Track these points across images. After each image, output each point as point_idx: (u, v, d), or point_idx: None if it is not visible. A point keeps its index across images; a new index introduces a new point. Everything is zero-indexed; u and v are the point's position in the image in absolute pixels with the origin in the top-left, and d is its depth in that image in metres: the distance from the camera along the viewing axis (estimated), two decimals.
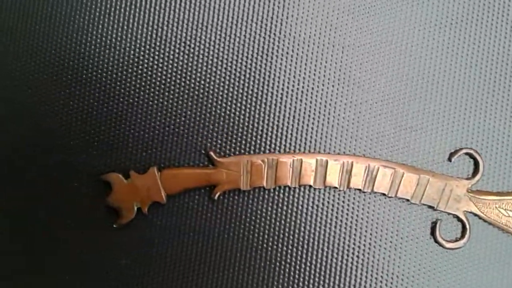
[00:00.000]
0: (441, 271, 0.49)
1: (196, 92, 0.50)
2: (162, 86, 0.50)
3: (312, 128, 0.49)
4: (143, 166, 0.49)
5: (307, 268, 0.49)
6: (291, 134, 0.49)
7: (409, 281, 0.49)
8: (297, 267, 0.49)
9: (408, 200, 0.48)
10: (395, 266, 0.49)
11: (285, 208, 0.49)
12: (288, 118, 0.49)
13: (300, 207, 0.49)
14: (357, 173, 0.48)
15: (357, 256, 0.49)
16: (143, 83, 0.50)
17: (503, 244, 0.49)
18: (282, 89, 0.49)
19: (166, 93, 0.50)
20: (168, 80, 0.50)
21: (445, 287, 0.49)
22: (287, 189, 0.49)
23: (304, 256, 0.49)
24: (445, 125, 0.49)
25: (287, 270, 0.49)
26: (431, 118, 0.49)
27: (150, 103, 0.50)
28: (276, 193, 0.50)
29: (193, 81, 0.49)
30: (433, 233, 0.49)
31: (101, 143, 0.50)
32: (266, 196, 0.50)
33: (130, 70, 0.50)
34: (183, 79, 0.50)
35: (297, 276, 0.49)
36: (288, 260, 0.49)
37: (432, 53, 0.49)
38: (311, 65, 0.49)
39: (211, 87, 0.49)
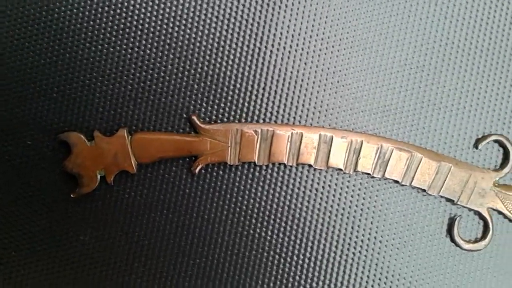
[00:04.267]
0: (456, 275, 0.43)
1: (179, 45, 0.42)
2: (139, 37, 0.42)
3: (317, 97, 0.42)
4: (111, 126, 0.42)
5: (300, 262, 0.43)
6: (291, 103, 0.42)
7: (417, 284, 0.42)
8: (288, 259, 0.43)
9: (424, 190, 0.42)
10: (403, 266, 0.43)
11: (278, 190, 0.42)
12: (289, 83, 0.42)
13: (296, 190, 0.43)
14: (367, 155, 0.42)
15: (359, 252, 0.42)
16: (114, 32, 0.42)
17: None
18: (284, 48, 0.42)
19: (143, 44, 0.42)
20: (146, 31, 0.42)
21: None
22: (282, 167, 0.42)
23: (297, 247, 0.43)
24: (473, 105, 0.43)
25: (275, 261, 0.43)
26: (458, 97, 0.42)
27: (123, 52, 0.42)
28: (270, 171, 0.43)
29: (175, 34, 0.42)
30: (450, 230, 0.42)
31: (60, 94, 0.42)
32: (257, 174, 0.43)
33: (99, 20, 0.42)
34: (163, 32, 0.42)
35: (286, 269, 0.43)
36: (278, 251, 0.43)
37: (463, 25, 0.42)
38: (320, 21, 0.42)
39: (197, 42, 0.42)
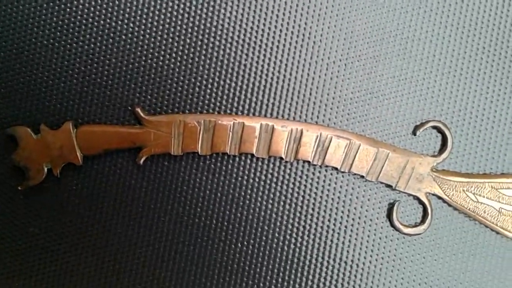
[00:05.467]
0: (396, 259, 0.44)
1: (123, 39, 0.43)
2: (83, 31, 0.43)
3: (258, 88, 0.43)
4: (57, 120, 0.43)
5: (244, 248, 0.44)
6: (233, 93, 0.43)
7: (358, 269, 0.44)
8: (232, 246, 0.44)
9: (363, 176, 0.43)
10: (344, 251, 0.44)
11: (222, 178, 0.44)
12: (231, 74, 0.43)
13: (239, 179, 0.44)
14: (306, 143, 0.43)
15: (301, 237, 0.44)
16: (59, 27, 0.43)
17: (469, 233, 0.44)
18: (225, 39, 0.43)
19: (87, 38, 0.43)
20: (90, 25, 0.43)
21: (401, 276, 0.44)
22: (225, 157, 0.43)
23: (240, 234, 0.44)
24: (411, 93, 0.44)
25: (220, 248, 0.44)
26: (395, 85, 0.44)
27: (68, 46, 0.43)
28: (213, 160, 0.44)
29: (118, 28, 0.43)
30: (389, 216, 0.43)
31: (6, 89, 0.43)
32: (201, 164, 0.44)
33: (44, 16, 0.43)
34: (107, 26, 0.43)
35: (231, 256, 0.44)
36: (223, 238, 0.44)
37: (401, 15, 0.43)
38: (261, 13, 0.43)
39: (140, 35, 0.43)
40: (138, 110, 0.43)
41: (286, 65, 0.43)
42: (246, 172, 0.44)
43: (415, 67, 0.44)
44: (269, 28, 0.43)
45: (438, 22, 0.43)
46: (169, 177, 0.44)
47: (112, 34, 0.43)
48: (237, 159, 0.44)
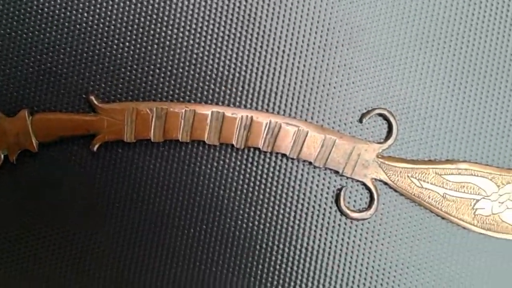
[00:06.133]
0: (344, 243, 0.45)
1: (77, 28, 0.44)
2: (38, 20, 0.44)
3: (210, 76, 0.45)
4: (13, 108, 0.44)
5: (196, 234, 0.45)
6: (185, 82, 0.45)
7: (307, 252, 0.45)
8: (185, 231, 0.45)
9: (311, 163, 0.44)
10: (293, 235, 0.45)
11: (175, 165, 0.45)
12: (183, 63, 0.45)
13: (192, 165, 0.45)
14: (256, 130, 0.44)
15: (252, 223, 0.45)
16: (16, 17, 0.44)
17: (414, 218, 0.45)
18: (176, 29, 0.44)
19: (42, 27, 0.44)
20: (46, 14, 0.44)
21: (349, 260, 0.45)
22: (178, 144, 0.45)
23: (193, 219, 0.45)
24: (358, 82, 0.45)
25: (173, 234, 0.45)
26: (341, 74, 0.45)
27: (24, 35, 0.44)
28: (166, 147, 0.45)
29: (73, 17, 0.44)
30: (337, 201, 0.45)
31: None
32: (154, 151, 0.45)
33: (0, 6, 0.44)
34: (62, 14, 0.44)
35: (184, 241, 0.45)
36: (176, 224, 0.45)
37: (347, 5, 0.45)
38: (211, 2, 0.44)
39: (94, 24, 0.44)
40: (92, 98, 0.44)
41: (236, 54, 0.45)
42: (199, 158, 0.45)
43: (361, 56, 0.45)
44: (220, 18, 0.45)
45: (384, 11, 0.45)
46: (123, 164, 0.45)
47: (67, 24, 0.44)
48: (189, 146, 0.45)
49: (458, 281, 0.45)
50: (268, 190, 0.45)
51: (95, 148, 0.44)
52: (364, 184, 0.45)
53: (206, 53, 0.45)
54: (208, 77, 0.45)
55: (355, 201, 0.45)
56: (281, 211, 0.45)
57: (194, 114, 0.44)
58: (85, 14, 0.44)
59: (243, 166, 0.45)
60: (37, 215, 0.45)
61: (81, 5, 0.44)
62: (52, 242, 0.45)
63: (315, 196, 0.45)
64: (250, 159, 0.45)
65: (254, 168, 0.45)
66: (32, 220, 0.45)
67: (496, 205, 0.45)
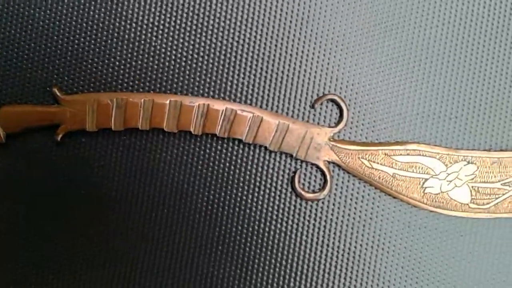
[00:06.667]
0: (299, 223, 0.47)
1: (41, 23, 0.46)
2: (1, 13, 0.46)
3: (168, 67, 0.47)
4: None
5: (157, 220, 0.47)
6: (144, 73, 0.47)
7: (264, 233, 0.47)
8: (147, 216, 0.47)
9: (266, 147, 0.46)
10: (251, 217, 0.47)
11: (136, 152, 0.47)
12: (141, 55, 0.47)
13: (152, 152, 0.47)
14: (213, 117, 0.46)
15: (211, 206, 0.47)
16: None
17: (365, 198, 0.47)
18: (135, 22, 0.47)
19: (8, 25, 0.46)
20: (6, 5, 0.46)
21: (304, 239, 0.47)
22: (138, 132, 0.47)
23: (154, 206, 0.47)
24: (308, 69, 0.47)
25: (136, 217, 0.47)
26: (293, 62, 0.47)
27: None
28: (127, 135, 0.47)
29: (37, 9, 0.46)
30: (292, 183, 0.47)
31: None
32: (116, 139, 0.47)
33: None
34: (27, 8, 0.46)
35: (146, 229, 0.47)
36: (138, 210, 0.47)
37: None
38: None
39: (56, 20, 0.46)
40: (55, 90, 0.46)
41: (193, 45, 0.47)
42: (158, 145, 0.47)
43: (312, 44, 0.47)
44: (176, 11, 0.47)
45: (333, 0, 0.47)
46: (86, 152, 0.47)
47: (31, 21, 0.47)
48: (149, 133, 0.47)
49: (410, 256, 0.47)
50: (225, 174, 0.47)
51: (59, 138, 0.46)
52: (317, 166, 0.47)
53: (163, 45, 0.47)
54: (166, 68, 0.47)
55: (309, 183, 0.47)
56: (239, 194, 0.47)
57: (152, 104, 0.46)
58: (48, 11, 0.46)
59: (202, 152, 0.47)
60: (5, 207, 0.47)
61: (43, 1, 0.46)
62: (19, 230, 0.47)
63: (271, 179, 0.47)
64: (208, 145, 0.47)
65: (212, 154, 0.47)
66: (1, 209, 0.47)
67: (444, 184, 0.47)
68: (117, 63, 0.47)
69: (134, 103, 0.46)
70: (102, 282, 0.48)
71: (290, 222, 0.47)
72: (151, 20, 0.47)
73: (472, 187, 0.47)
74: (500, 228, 0.48)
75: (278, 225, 0.47)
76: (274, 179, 0.47)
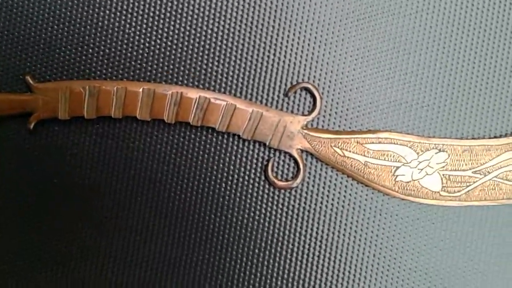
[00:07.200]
0: (272, 211, 0.48)
1: (14, 11, 0.46)
2: None
3: (142, 55, 0.47)
4: None
5: (131, 208, 0.47)
6: (118, 60, 0.47)
7: (238, 221, 0.47)
8: (121, 204, 0.47)
9: (239, 136, 0.46)
10: (225, 205, 0.47)
11: (109, 141, 0.47)
12: (115, 42, 0.47)
13: (126, 140, 0.47)
14: (186, 105, 0.46)
15: (184, 194, 0.47)
16: None
17: (338, 186, 0.48)
18: (109, 10, 0.47)
19: None
20: None
21: (277, 227, 0.48)
22: (111, 120, 0.47)
23: (128, 193, 0.47)
24: (282, 58, 0.47)
25: (109, 205, 0.47)
26: (267, 50, 0.47)
27: None
28: (100, 123, 0.47)
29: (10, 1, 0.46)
30: (265, 171, 0.47)
31: None
32: (90, 127, 0.47)
33: None
34: None
35: (120, 213, 0.47)
36: (111, 196, 0.47)
37: None
38: None
39: (30, 8, 0.46)
40: (28, 78, 0.46)
41: (166, 33, 0.47)
42: (132, 134, 0.47)
43: (285, 33, 0.47)
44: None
45: None
46: (59, 141, 0.47)
47: (3, 9, 0.46)
48: (122, 121, 0.47)
49: (381, 244, 0.48)
50: (199, 162, 0.47)
51: (31, 126, 0.46)
52: (290, 154, 0.47)
53: (137, 32, 0.47)
54: (139, 56, 0.47)
55: (282, 171, 0.48)
56: (212, 183, 0.47)
57: (125, 92, 0.46)
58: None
59: (175, 140, 0.47)
60: None
61: None
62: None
63: (244, 167, 0.48)
64: (182, 134, 0.47)
65: (186, 142, 0.47)
66: None
67: (416, 172, 0.47)
68: (90, 50, 0.47)
69: (107, 91, 0.46)
70: (74, 272, 0.48)
71: (263, 211, 0.48)
72: (124, 7, 0.47)
73: (443, 175, 0.47)
74: (471, 216, 0.48)
75: (252, 213, 0.48)
76: (248, 167, 0.48)
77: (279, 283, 0.48)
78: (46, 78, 0.47)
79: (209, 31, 0.47)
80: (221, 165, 0.47)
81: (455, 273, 0.48)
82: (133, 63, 0.47)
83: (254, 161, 0.48)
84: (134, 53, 0.47)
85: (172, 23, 0.47)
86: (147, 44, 0.47)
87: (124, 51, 0.47)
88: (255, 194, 0.48)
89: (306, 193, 0.48)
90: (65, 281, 0.48)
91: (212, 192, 0.47)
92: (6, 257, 0.47)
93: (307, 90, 0.47)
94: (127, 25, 0.47)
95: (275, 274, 0.48)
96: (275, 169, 0.48)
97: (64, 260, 0.48)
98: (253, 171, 0.48)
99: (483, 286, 0.48)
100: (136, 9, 0.47)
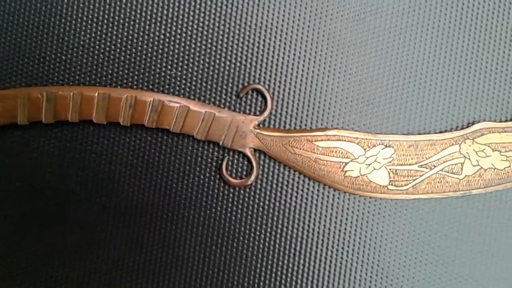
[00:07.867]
0: (227, 209, 0.49)
1: None
2: None
3: (96, 60, 0.49)
4: None
5: (92, 207, 0.49)
6: (74, 66, 0.49)
7: (194, 220, 0.49)
8: (80, 205, 0.49)
9: (193, 136, 0.48)
10: (181, 204, 0.49)
11: (68, 144, 0.49)
12: (71, 48, 0.49)
13: (83, 143, 0.49)
14: (140, 108, 0.48)
15: (142, 195, 0.49)
16: None
17: (290, 182, 0.50)
18: (64, 18, 0.48)
19: None
20: None
21: (232, 225, 0.49)
22: (69, 124, 0.48)
23: (87, 194, 0.49)
24: (233, 61, 0.49)
25: (70, 209, 0.49)
26: (219, 53, 0.49)
27: None
28: (59, 128, 0.49)
29: None
30: (219, 170, 0.49)
31: None
32: (48, 132, 0.49)
33: None
34: None
35: (81, 213, 0.49)
36: (71, 198, 0.49)
37: None
38: None
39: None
40: None
41: (120, 38, 0.49)
42: (89, 137, 0.49)
43: (234, 37, 0.49)
44: (103, 5, 0.49)
45: None
46: (20, 146, 0.49)
47: None
48: (80, 125, 0.49)
49: (334, 238, 0.50)
50: (155, 163, 0.49)
51: None
52: (243, 153, 0.49)
53: (92, 38, 0.49)
54: (94, 61, 0.49)
55: (236, 170, 0.49)
56: (168, 183, 0.49)
57: (81, 96, 0.48)
58: None
59: (131, 142, 0.49)
60: None
61: None
62: None
63: (199, 167, 0.49)
64: (138, 136, 0.49)
65: (142, 144, 0.49)
66: None
67: (363, 167, 0.49)
68: (47, 57, 0.48)
69: (63, 96, 0.48)
70: (36, 277, 0.49)
71: (218, 208, 0.49)
72: (79, 14, 0.49)
73: (390, 169, 0.49)
74: (419, 209, 0.50)
75: (208, 212, 0.49)
76: (202, 167, 0.49)
77: (236, 278, 0.49)
78: (5, 85, 0.48)
79: (162, 36, 0.49)
80: (176, 165, 0.49)
81: (405, 264, 0.50)
82: (88, 68, 0.49)
83: (209, 160, 0.49)
84: (90, 58, 0.49)
85: (126, 28, 0.49)
86: (101, 50, 0.49)
87: (80, 57, 0.49)
88: (210, 192, 0.49)
89: (260, 190, 0.49)
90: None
91: (169, 191, 0.49)
92: None
93: (258, 91, 0.49)
94: (82, 32, 0.49)
95: (232, 270, 0.49)
96: (229, 168, 0.49)
97: (25, 263, 0.49)
98: (208, 170, 0.49)
99: (432, 277, 0.50)
100: (90, 16, 0.49)
